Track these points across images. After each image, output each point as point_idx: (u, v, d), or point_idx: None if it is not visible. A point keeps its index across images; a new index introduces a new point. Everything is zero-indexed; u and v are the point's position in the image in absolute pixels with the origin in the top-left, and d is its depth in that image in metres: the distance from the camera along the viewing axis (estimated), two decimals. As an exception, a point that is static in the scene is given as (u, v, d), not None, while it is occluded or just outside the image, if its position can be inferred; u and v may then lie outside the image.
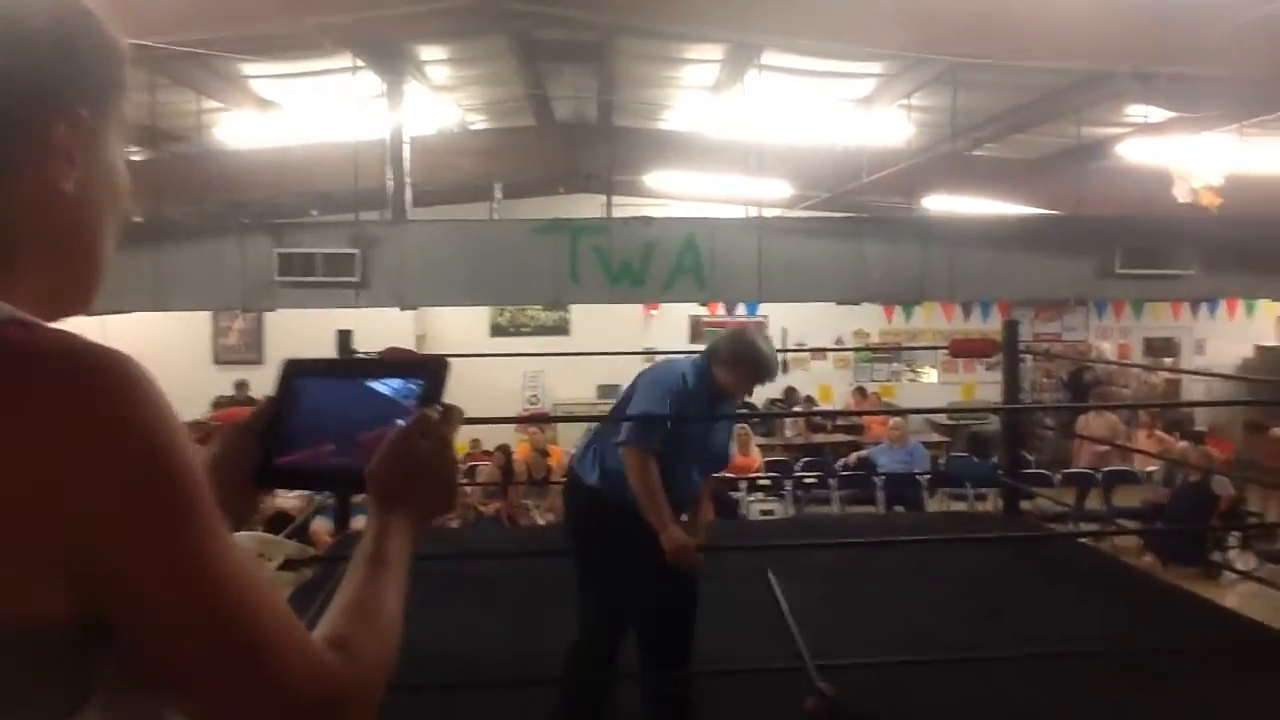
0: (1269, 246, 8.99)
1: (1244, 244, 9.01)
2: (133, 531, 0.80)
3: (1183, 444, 11.16)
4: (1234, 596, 8.33)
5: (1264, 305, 15.13)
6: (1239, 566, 8.98)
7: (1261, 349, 15.18)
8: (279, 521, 8.15)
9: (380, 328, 10.11)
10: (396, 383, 1.12)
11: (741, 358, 3.89)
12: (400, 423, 1.08)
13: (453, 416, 1.11)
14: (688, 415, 3.91)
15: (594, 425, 4.21)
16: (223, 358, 14.37)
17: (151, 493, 0.79)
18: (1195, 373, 14.61)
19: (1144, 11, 5.71)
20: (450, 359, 1.14)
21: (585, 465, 4.05)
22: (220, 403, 11.93)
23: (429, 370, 1.13)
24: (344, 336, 7.11)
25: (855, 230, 9.48)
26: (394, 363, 1.17)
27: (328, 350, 7.06)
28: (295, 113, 9.35)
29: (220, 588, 0.83)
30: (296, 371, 1.17)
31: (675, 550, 3.81)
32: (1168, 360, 15.53)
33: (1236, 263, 9.00)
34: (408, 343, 12.34)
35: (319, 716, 0.88)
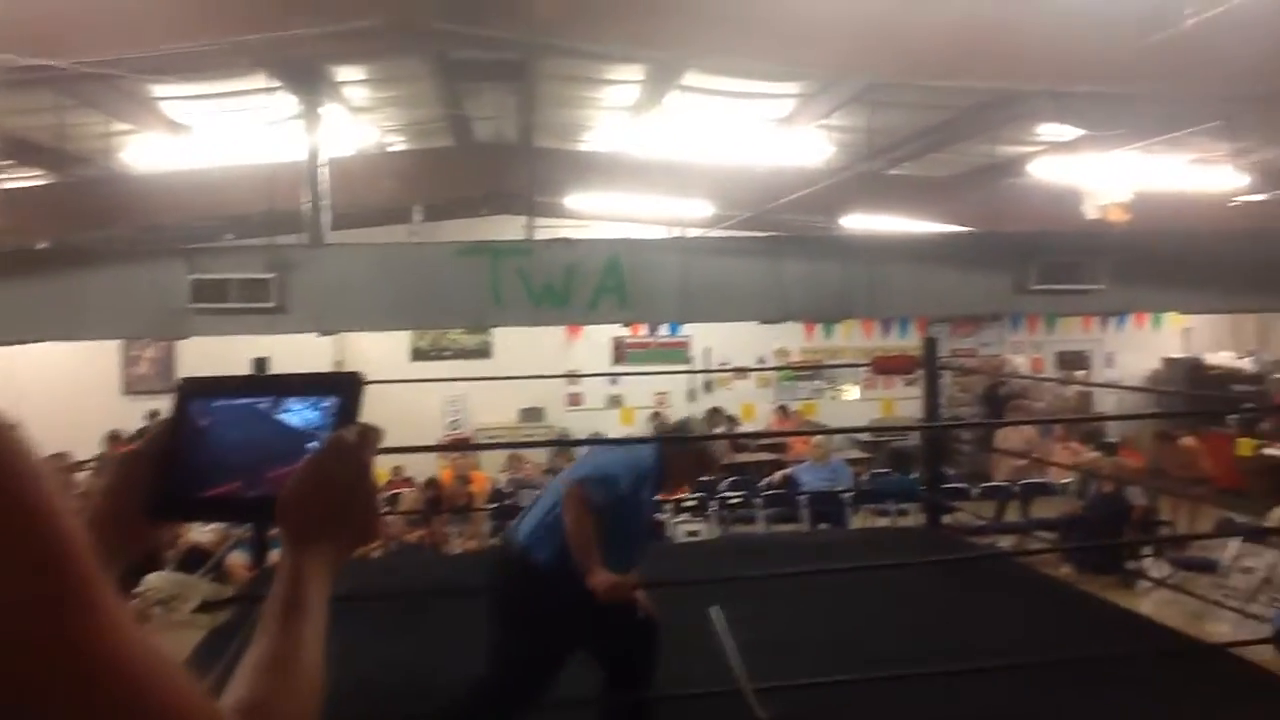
0: (1175, 260, 9.25)
1: (1151, 258, 9.26)
2: (6, 623, 0.69)
3: (1094, 454, 11.42)
4: (1149, 603, 8.52)
5: (1170, 318, 15.60)
6: (1153, 574, 9.19)
7: (1168, 361, 15.62)
8: (194, 557, 7.93)
9: (298, 353, 9.95)
10: (307, 403, 1.02)
11: (697, 449, 4.00)
12: (313, 447, 0.98)
13: (371, 438, 1.00)
14: (640, 499, 3.87)
15: (541, 495, 4.09)
16: (133, 387, 13.98)
17: (22, 576, 0.68)
18: (1106, 385, 14.97)
19: (1056, 33, 5.84)
20: (365, 376, 1.04)
21: (534, 539, 3.89)
22: (118, 438, 11.46)
23: (343, 388, 1.02)
24: (260, 364, 6.94)
25: (777, 249, 9.55)
26: (303, 380, 1.06)
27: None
28: (208, 135, 9.15)
29: (112, 671, 0.72)
30: (194, 391, 1.06)
31: (607, 589, 3.74)
32: (1079, 373, 15.91)
33: (1145, 277, 9.24)
34: (325, 367, 12.16)
35: None
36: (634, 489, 3.81)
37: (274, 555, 8.08)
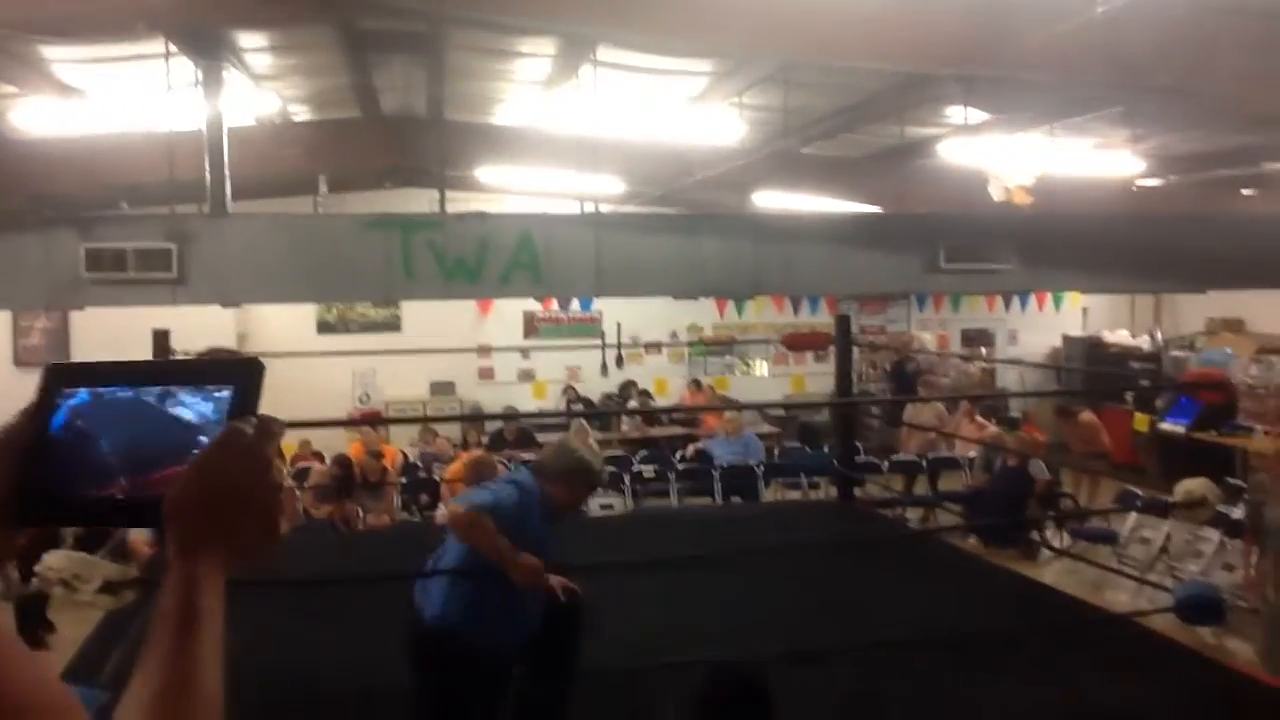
0: (1078, 242, 9.46)
1: (1055, 240, 9.45)
2: None
3: (996, 429, 11.69)
4: (1050, 573, 8.77)
5: (1070, 298, 16.03)
6: (1055, 545, 9.45)
7: (1068, 339, 16.05)
8: (94, 535, 7.67)
9: (199, 326, 9.66)
10: (199, 393, 0.90)
11: (570, 471, 3.82)
12: (204, 440, 0.87)
13: (270, 431, 0.90)
14: (531, 531, 3.78)
15: (439, 553, 3.99)
16: (24, 359, 13.48)
17: None
18: (1009, 361, 15.32)
19: (965, 18, 5.90)
20: (264, 363, 0.94)
21: (433, 598, 3.84)
22: None
23: (239, 375, 0.91)
24: (160, 335, 6.75)
25: (691, 226, 9.54)
26: (194, 367, 0.95)
27: (143, 351, 6.68)
28: (102, 100, 8.79)
29: None
30: (63, 380, 0.94)
31: (526, 574, 3.73)
32: (983, 350, 16.26)
33: (1049, 258, 9.44)
34: (228, 341, 11.83)
35: None
36: (520, 519, 3.73)
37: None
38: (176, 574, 0.85)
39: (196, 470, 0.86)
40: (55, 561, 3.50)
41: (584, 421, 13.43)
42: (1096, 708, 4.30)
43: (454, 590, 3.77)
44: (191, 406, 0.91)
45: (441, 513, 9.78)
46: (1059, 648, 4.94)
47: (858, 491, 8.91)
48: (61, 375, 0.95)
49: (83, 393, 0.93)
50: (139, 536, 8.02)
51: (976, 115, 9.22)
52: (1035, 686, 4.54)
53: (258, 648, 5.14)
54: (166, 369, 0.96)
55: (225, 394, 0.90)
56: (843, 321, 8.01)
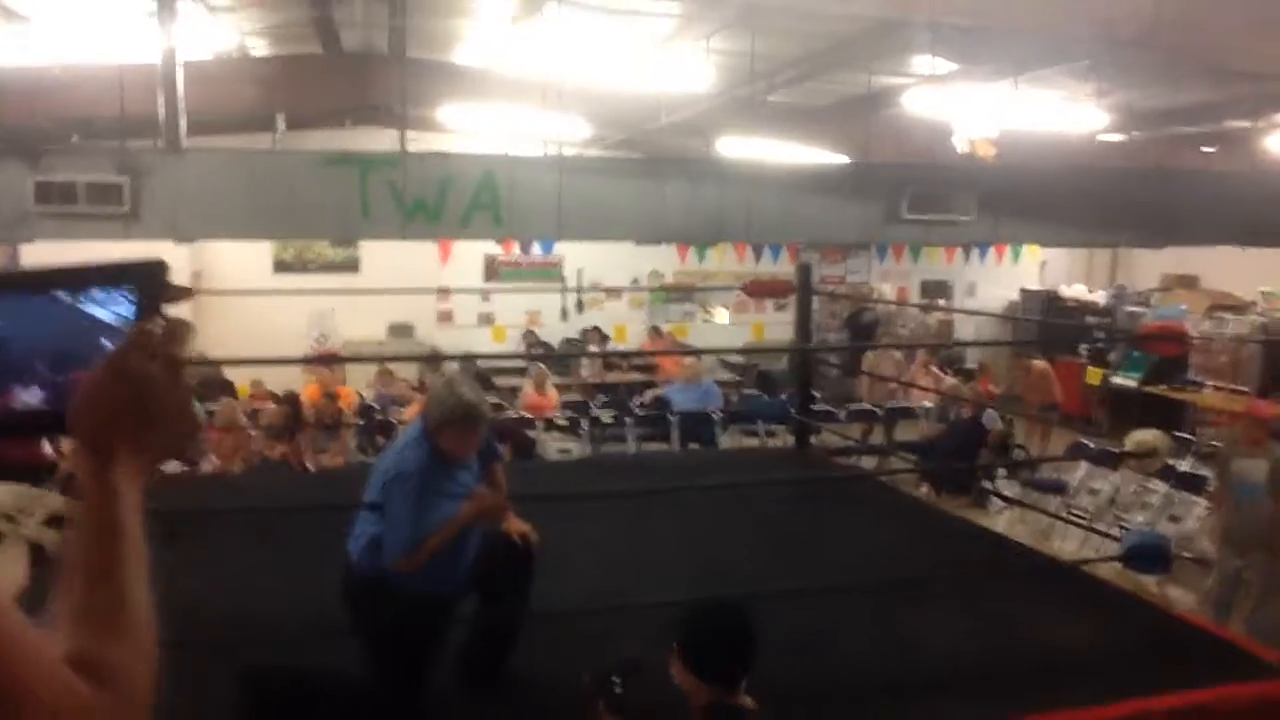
0: (1038, 195, 9.53)
1: (1017, 193, 9.51)
2: None
3: (954, 380, 11.80)
4: (1001, 522, 8.90)
5: (1028, 251, 16.15)
6: (1006, 494, 9.59)
7: (1025, 292, 16.19)
8: (41, 467, 7.57)
9: (153, 263, 9.50)
10: (104, 296, 0.88)
11: (446, 419, 3.73)
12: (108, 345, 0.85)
13: (179, 330, 0.88)
14: (438, 479, 3.74)
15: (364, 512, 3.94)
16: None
17: None
18: (966, 312, 15.46)
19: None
20: (167, 263, 0.91)
21: (358, 544, 3.84)
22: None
23: (140, 275, 0.88)
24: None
25: (655, 171, 9.50)
26: (94, 271, 0.91)
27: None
28: (50, 28, 8.55)
29: None
30: None
31: (481, 508, 3.78)
32: (941, 301, 16.37)
33: (1009, 210, 9.51)
34: (182, 278, 11.69)
35: None
36: (437, 483, 3.71)
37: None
38: (91, 484, 0.82)
39: (102, 374, 0.83)
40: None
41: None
42: (1040, 647, 4.40)
43: (375, 538, 3.76)
44: (106, 305, 0.88)
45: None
46: (1005, 591, 5.03)
47: (814, 440, 8.96)
48: None
49: None
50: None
51: (943, 66, 9.21)
52: (981, 627, 4.63)
53: (209, 586, 5.13)
54: (68, 272, 0.91)
55: (126, 296, 0.88)
56: (804, 270, 8.00)
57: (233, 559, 5.54)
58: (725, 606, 3.02)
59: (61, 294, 0.89)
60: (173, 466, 9.66)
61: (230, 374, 12.17)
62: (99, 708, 0.72)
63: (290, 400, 10.53)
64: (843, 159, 11.09)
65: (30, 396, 0.86)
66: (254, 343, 11.64)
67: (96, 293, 0.88)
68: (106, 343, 0.86)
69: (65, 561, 0.81)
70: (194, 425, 0.91)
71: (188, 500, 7.03)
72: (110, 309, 0.88)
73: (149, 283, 0.88)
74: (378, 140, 11.59)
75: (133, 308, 0.88)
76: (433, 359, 13.29)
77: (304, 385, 11.70)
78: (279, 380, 11.68)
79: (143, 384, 0.84)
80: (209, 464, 10.07)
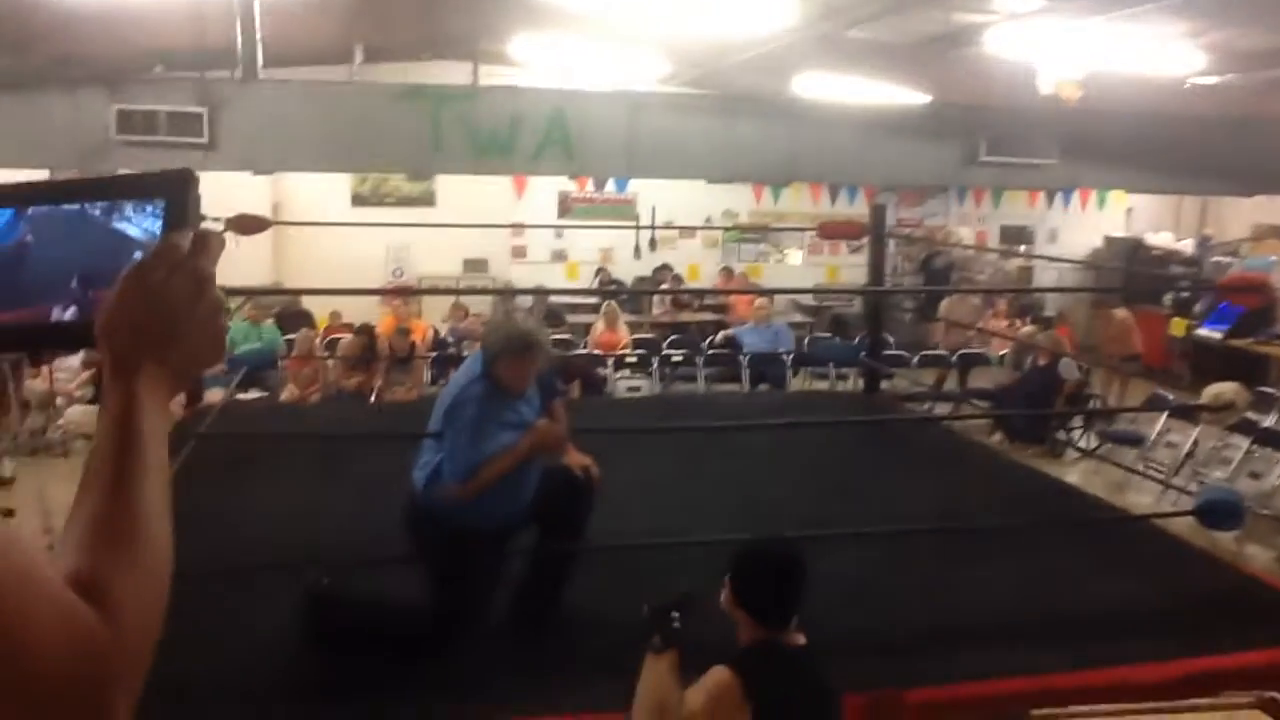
0: (1124, 140, 9.22)
1: (1101, 137, 9.21)
2: None
3: (1030, 328, 11.56)
4: (1075, 473, 8.76)
5: (1114, 197, 15.66)
6: (1081, 445, 9.42)
7: (1110, 239, 15.74)
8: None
9: (231, 194, 9.64)
10: (132, 207, 0.87)
11: (503, 349, 3.73)
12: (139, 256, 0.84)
13: (209, 243, 0.86)
14: (498, 412, 3.75)
15: (429, 442, 3.97)
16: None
17: None
18: (1046, 258, 15.09)
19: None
20: (195, 173, 0.89)
21: (421, 475, 3.89)
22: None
23: (169, 186, 0.87)
24: (191, 201, 6.72)
25: (728, 109, 9.36)
26: (122, 182, 0.90)
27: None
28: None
29: None
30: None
31: (542, 435, 3.81)
32: (1021, 247, 15.99)
33: (1093, 154, 9.22)
34: (262, 210, 11.83)
35: (74, 705, 0.68)
36: (481, 402, 3.72)
37: (212, 395, 8.00)
38: (113, 394, 0.81)
39: (128, 285, 0.82)
40: (76, 415, 3.53)
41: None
42: (1102, 601, 4.32)
43: (438, 468, 3.80)
44: (137, 222, 0.88)
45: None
46: (1071, 543, 4.95)
47: (885, 385, 8.87)
48: None
49: (19, 212, 0.90)
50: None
51: (1028, 2, 8.89)
52: (1041, 579, 4.56)
53: (280, 510, 5.26)
54: (96, 185, 0.91)
55: (153, 207, 0.87)
56: (878, 211, 7.87)
57: (304, 485, 5.67)
58: (778, 544, 3.03)
59: (91, 210, 0.89)
60: (252, 394, 9.93)
61: (308, 305, 12.38)
62: (101, 636, 0.69)
63: (366, 331, 10.70)
64: (921, 98, 10.81)
65: (61, 312, 0.87)
66: (332, 275, 11.80)
67: (127, 209, 0.88)
68: (137, 259, 0.85)
69: (82, 476, 0.79)
70: (221, 340, 0.87)
71: (264, 427, 7.21)
72: (140, 225, 0.87)
73: (178, 194, 0.87)
74: (452, 74, 11.56)
75: (160, 223, 0.87)
76: (505, 293, 13.37)
77: (380, 318, 11.86)
78: (356, 313, 11.85)
79: (166, 297, 0.82)
80: (287, 392, 10.30)
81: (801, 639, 2.86)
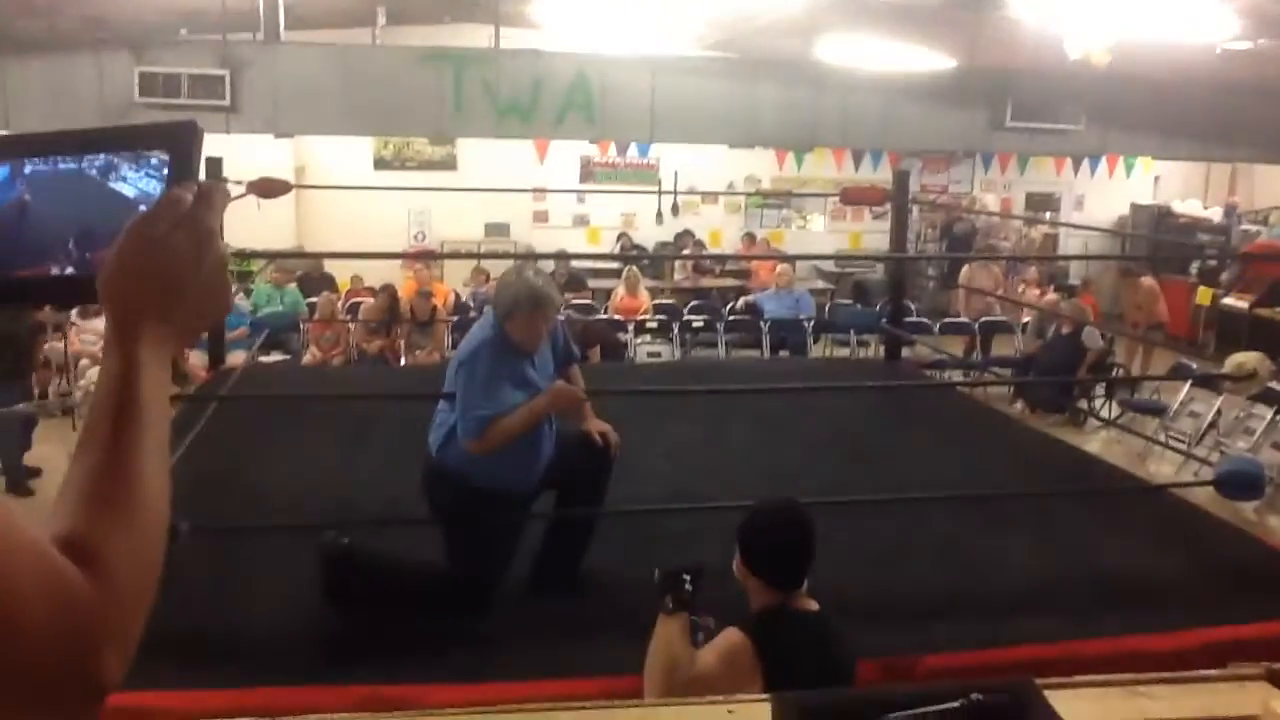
0: (1152, 106, 9.09)
1: (1129, 102, 9.08)
2: None
3: (1053, 296, 11.48)
4: (1096, 442, 8.73)
5: (1142, 165, 15.47)
6: (1102, 415, 9.38)
7: (1137, 207, 15.58)
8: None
9: (255, 156, 9.66)
10: (140, 167, 0.85)
11: (514, 305, 3.71)
12: (143, 210, 0.82)
13: (213, 197, 0.83)
14: (511, 370, 3.75)
15: (443, 404, 3.97)
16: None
17: None
18: (1070, 225, 14.95)
19: None
20: (199, 125, 0.88)
21: (438, 437, 3.90)
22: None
23: (173, 138, 0.85)
24: (213, 164, 6.75)
25: (750, 73, 9.29)
26: (124, 133, 0.89)
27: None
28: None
29: None
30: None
31: (558, 395, 3.81)
32: (1047, 215, 15.85)
33: (1121, 120, 9.10)
34: (285, 173, 11.86)
35: (60, 662, 0.67)
36: (492, 358, 3.72)
37: (234, 357, 8.06)
38: (114, 354, 0.79)
39: (132, 239, 0.80)
40: (97, 376, 3.55)
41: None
42: (1118, 571, 4.32)
43: (452, 429, 3.80)
44: (133, 182, 0.86)
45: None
46: (1089, 513, 4.94)
47: (907, 352, 8.84)
48: None
49: (19, 167, 0.89)
50: (196, 361, 8.22)
51: (1058, -36, 8.75)
52: (1058, 548, 4.56)
53: (302, 470, 5.32)
54: (96, 136, 0.90)
55: (157, 160, 0.85)
56: (901, 177, 7.81)
57: (325, 448, 5.72)
58: (787, 507, 3.01)
59: (89, 170, 0.88)
60: (274, 357, 10.00)
61: (331, 268, 12.43)
62: (87, 595, 0.68)
63: (388, 291, 10.74)
64: (946, 63, 10.70)
65: (60, 271, 0.86)
66: (354, 238, 11.83)
67: (125, 168, 0.86)
68: (140, 213, 0.84)
69: (79, 436, 0.77)
70: (225, 297, 0.86)
71: (286, 389, 7.26)
72: (138, 185, 0.86)
73: (181, 146, 0.86)
74: (474, 37, 11.52)
75: (158, 183, 0.85)
76: (527, 258, 13.37)
77: (402, 282, 11.90)
78: (379, 277, 11.89)
79: (170, 252, 0.80)
80: (309, 355, 10.37)
81: (814, 604, 2.87)
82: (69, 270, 0.85)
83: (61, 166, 0.89)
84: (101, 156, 0.88)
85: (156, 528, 0.75)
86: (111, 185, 0.86)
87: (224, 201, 0.85)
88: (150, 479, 0.75)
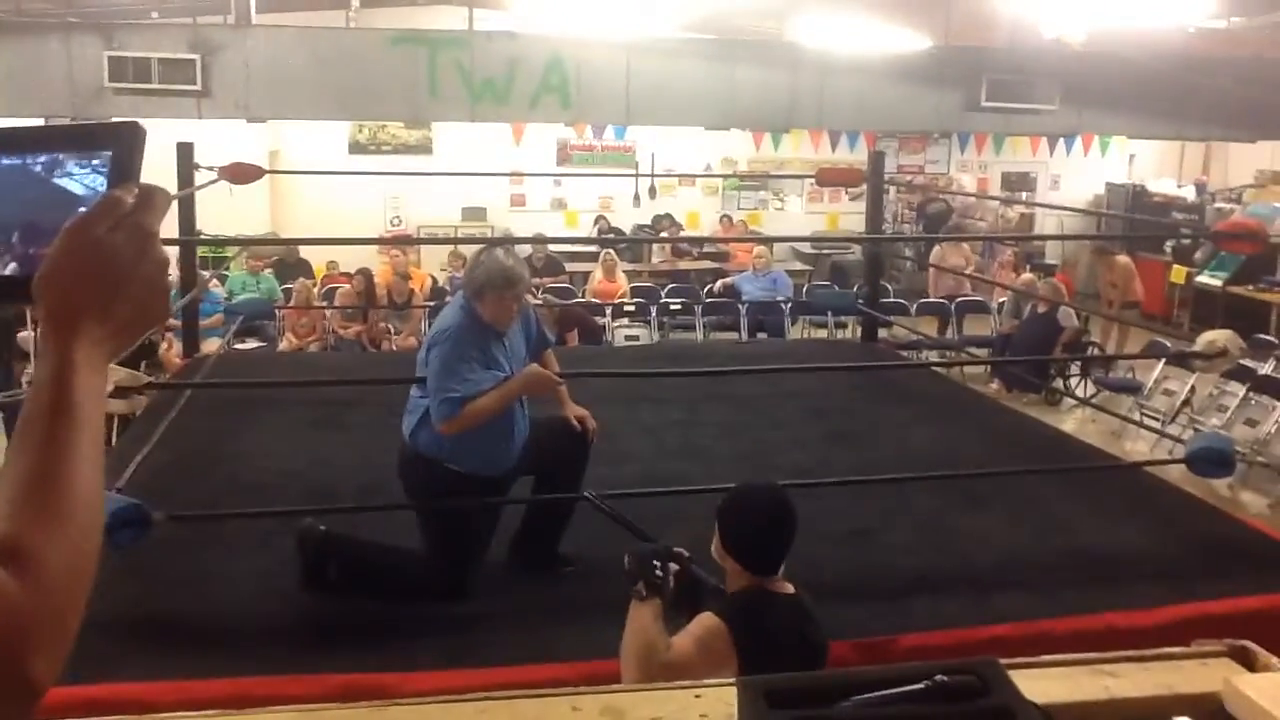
0: (1127, 85, 9.12)
1: (1104, 81, 9.11)
2: None
3: (1029, 275, 11.53)
4: (1071, 421, 8.78)
5: (1117, 144, 15.53)
6: (1078, 394, 9.43)
7: (1112, 186, 15.65)
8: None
9: (228, 141, 9.59)
10: (86, 164, 0.85)
11: (485, 284, 3.70)
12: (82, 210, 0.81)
13: (154, 199, 0.82)
14: (485, 351, 3.74)
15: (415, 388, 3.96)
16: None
17: None
18: (1046, 206, 15.01)
19: None
20: (143, 127, 0.87)
21: (410, 421, 3.88)
22: None
23: (115, 139, 0.85)
24: (185, 149, 6.69)
25: (727, 54, 9.27)
26: (68, 132, 0.88)
27: (168, 166, 6.63)
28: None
29: None
30: None
31: (531, 378, 3.80)
32: (1023, 195, 15.90)
33: (1095, 99, 9.13)
34: (259, 159, 11.78)
35: None
36: (462, 338, 3.71)
37: (208, 345, 8.01)
38: (49, 355, 0.78)
39: (70, 239, 0.79)
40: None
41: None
42: (1094, 548, 4.35)
43: (425, 413, 3.79)
44: (79, 179, 0.85)
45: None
46: (1064, 491, 4.97)
47: (884, 333, 8.87)
48: None
49: None
50: (171, 348, 8.17)
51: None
52: (1033, 526, 4.60)
53: (277, 457, 5.30)
54: (41, 135, 0.89)
55: (99, 160, 0.85)
56: (876, 158, 7.83)
57: (302, 433, 5.70)
58: (765, 489, 3.01)
59: (34, 165, 0.87)
60: (250, 344, 9.95)
61: (306, 255, 12.35)
62: (15, 600, 0.68)
63: (365, 274, 10.69)
64: (922, 43, 10.71)
65: (2, 267, 0.85)
66: (330, 224, 11.76)
67: (70, 164, 0.86)
68: (80, 213, 0.82)
69: (12, 436, 0.77)
70: (164, 300, 0.85)
71: (262, 375, 7.23)
72: (83, 181, 0.85)
73: (125, 147, 0.85)
74: (449, 19, 11.45)
75: (105, 180, 0.84)
76: (504, 242, 13.30)
77: (379, 267, 11.84)
78: (355, 262, 11.84)
79: (105, 253, 0.78)
80: (285, 342, 10.32)
81: (790, 587, 2.88)
82: (12, 267, 0.84)
83: (4, 162, 0.88)
84: (45, 154, 0.87)
85: (89, 530, 0.75)
86: (57, 180, 0.85)
87: (165, 204, 0.84)
88: (83, 482, 0.75)
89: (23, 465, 0.73)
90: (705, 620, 2.73)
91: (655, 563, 2.80)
